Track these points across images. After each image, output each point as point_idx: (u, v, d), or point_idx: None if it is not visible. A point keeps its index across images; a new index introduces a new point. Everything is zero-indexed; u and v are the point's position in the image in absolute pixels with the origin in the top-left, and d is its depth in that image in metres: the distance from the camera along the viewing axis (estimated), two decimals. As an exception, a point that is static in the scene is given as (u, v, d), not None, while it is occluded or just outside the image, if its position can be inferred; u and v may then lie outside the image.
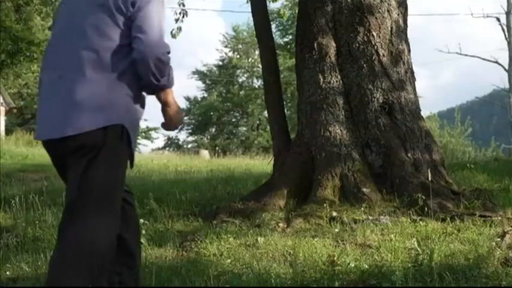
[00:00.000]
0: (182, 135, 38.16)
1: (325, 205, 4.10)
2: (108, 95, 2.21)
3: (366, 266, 2.73)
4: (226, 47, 37.70)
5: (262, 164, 10.04)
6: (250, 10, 5.64)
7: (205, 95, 37.86)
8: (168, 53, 2.29)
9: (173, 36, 8.40)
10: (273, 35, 5.96)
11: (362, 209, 4.12)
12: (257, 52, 24.22)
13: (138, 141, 35.36)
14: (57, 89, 2.23)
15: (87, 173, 2.18)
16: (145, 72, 2.23)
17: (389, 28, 4.93)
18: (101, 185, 2.20)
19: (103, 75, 2.21)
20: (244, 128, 36.75)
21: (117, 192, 2.27)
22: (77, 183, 2.19)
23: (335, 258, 2.79)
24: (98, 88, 2.19)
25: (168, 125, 2.41)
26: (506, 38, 23.93)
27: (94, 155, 2.19)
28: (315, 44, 4.89)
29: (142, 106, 2.38)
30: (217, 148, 27.64)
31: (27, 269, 3.03)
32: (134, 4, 2.24)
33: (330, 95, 4.79)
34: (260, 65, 6.79)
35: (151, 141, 36.24)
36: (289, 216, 4.11)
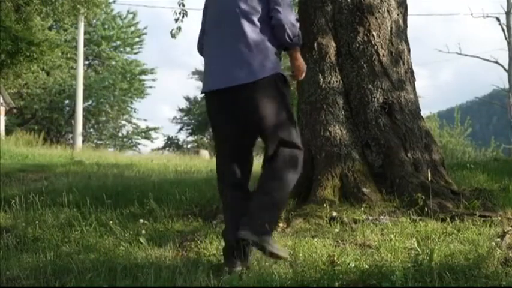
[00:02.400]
0: (182, 135, 38.15)
1: (325, 205, 4.10)
2: (266, 52, 2.95)
3: (366, 266, 2.73)
4: (226, 47, 37.64)
5: (262, 164, 10.01)
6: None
7: (205, 95, 37.76)
8: (297, 19, 3.03)
9: (173, 36, 8.39)
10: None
11: (362, 209, 4.12)
12: (257, 52, 24.15)
13: (138, 141, 35.45)
14: (225, 50, 2.98)
15: (277, 108, 2.93)
16: (282, 34, 2.96)
17: (389, 28, 4.93)
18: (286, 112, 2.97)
19: (259, 38, 2.95)
20: (244, 128, 36.69)
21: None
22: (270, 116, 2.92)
23: (335, 258, 2.80)
24: (258, 47, 2.93)
25: (296, 75, 3.14)
26: (506, 38, 23.95)
27: (271, 97, 2.92)
28: (315, 44, 4.89)
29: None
30: (217, 148, 27.56)
31: (27, 269, 3.03)
32: None
33: (329, 95, 4.79)
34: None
35: (151, 141, 36.20)
36: (289, 216, 4.11)
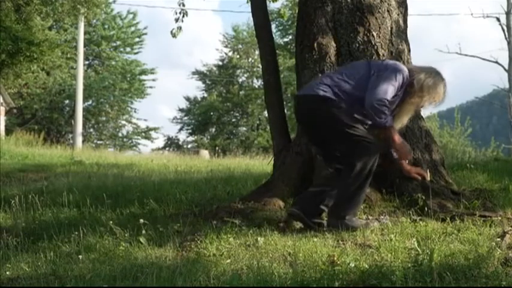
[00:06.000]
0: (182, 135, 38.15)
1: (325, 205, 4.09)
2: (338, 92, 3.74)
3: (366, 266, 2.73)
4: (226, 47, 37.69)
5: (262, 164, 10.03)
6: (250, 10, 5.64)
7: (205, 95, 37.84)
8: (384, 105, 3.59)
9: (173, 36, 8.42)
10: (273, 35, 5.95)
11: (362, 209, 4.12)
12: (257, 52, 24.19)
13: (138, 141, 35.45)
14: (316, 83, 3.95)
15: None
16: (368, 113, 3.66)
17: (389, 28, 4.93)
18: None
19: (340, 86, 3.76)
20: (244, 128, 36.73)
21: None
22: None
23: (335, 258, 2.80)
24: (334, 88, 3.75)
25: (399, 157, 3.90)
26: (506, 38, 23.95)
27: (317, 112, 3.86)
28: (315, 44, 4.88)
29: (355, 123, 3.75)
30: (217, 148, 27.63)
31: (27, 269, 3.03)
32: (376, 71, 3.76)
33: (330, 95, 4.78)
34: (260, 65, 6.79)
35: (151, 141, 36.19)
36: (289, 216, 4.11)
